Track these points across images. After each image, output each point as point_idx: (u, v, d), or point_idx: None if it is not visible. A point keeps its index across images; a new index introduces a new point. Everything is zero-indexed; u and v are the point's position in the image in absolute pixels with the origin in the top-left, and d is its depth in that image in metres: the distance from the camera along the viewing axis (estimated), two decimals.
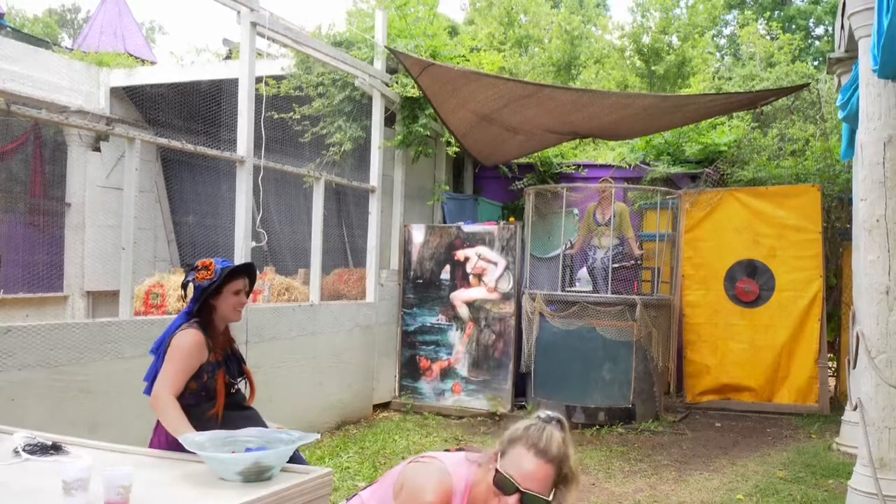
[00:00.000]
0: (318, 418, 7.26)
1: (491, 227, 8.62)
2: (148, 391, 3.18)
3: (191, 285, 3.25)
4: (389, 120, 8.80)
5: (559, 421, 2.18)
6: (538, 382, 8.23)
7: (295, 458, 2.82)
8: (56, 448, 2.72)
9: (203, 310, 3.27)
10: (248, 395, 3.46)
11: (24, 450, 2.65)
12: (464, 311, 8.55)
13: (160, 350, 3.22)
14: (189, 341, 3.14)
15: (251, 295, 3.50)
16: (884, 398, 4.45)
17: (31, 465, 2.55)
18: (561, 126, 8.73)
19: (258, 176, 6.66)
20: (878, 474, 4.36)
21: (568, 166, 10.81)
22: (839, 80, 6.86)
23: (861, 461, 4.60)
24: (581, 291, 8.44)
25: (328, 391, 7.55)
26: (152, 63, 11.97)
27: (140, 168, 5.79)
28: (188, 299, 3.30)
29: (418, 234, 8.84)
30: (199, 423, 3.01)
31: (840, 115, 5.98)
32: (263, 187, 6.73)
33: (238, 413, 3.22)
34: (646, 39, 17.70)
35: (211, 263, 3.26)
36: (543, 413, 2.21)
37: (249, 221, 6.55)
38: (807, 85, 9.27)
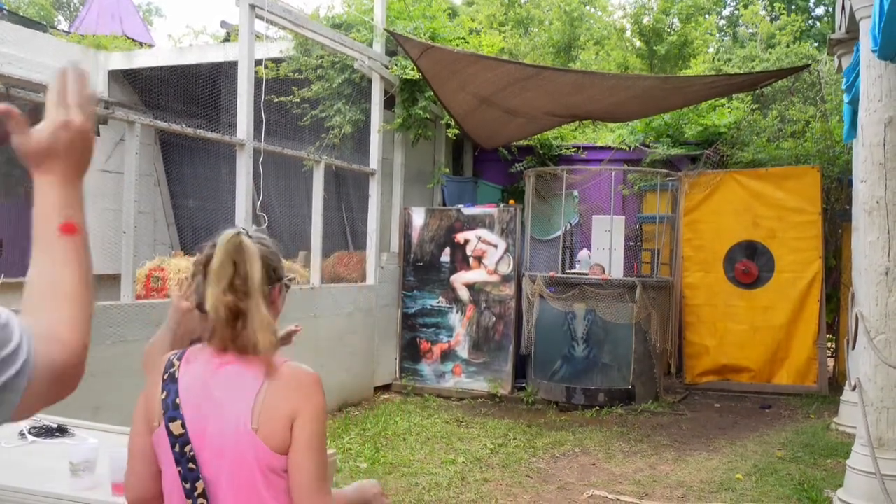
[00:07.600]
0: None
1: (491, 210, 8.62)
2: None
3: None
4: (389, 103, 8.77)
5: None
6: (538, 364, 8.27)
7: None
8: (62, 430, 2.75)
9: None
10: None
11: (29, 432, 2.68)
12: (464, 294, 8.56)
13: None
14: None
15: None
16: (883, 378, 4.48)
17: (38, 448, 2.58)
18: (561, 108, 8.71)
19: (258, 159, 6.66)
20: (877, 454, 4.40)
21: (567, 148, 10.79)
22: (840, 62, 6.83)
23: (860, 441, 4.64)
24: (581, 273, 8.45)
25: (329, 374, 7.57)
26: (150, 46, 11.90)
27: (140, 152, 5.78)
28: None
29: (418, 217, 8.84)
30: None
31: (846, 98, 5.96)
32: (263, 171, 6.73)
33: None
34: (647, 20, 17.58)
35: None
36: None
37: (249, 205, 6.56)
38: (807, 66, 9.24)
